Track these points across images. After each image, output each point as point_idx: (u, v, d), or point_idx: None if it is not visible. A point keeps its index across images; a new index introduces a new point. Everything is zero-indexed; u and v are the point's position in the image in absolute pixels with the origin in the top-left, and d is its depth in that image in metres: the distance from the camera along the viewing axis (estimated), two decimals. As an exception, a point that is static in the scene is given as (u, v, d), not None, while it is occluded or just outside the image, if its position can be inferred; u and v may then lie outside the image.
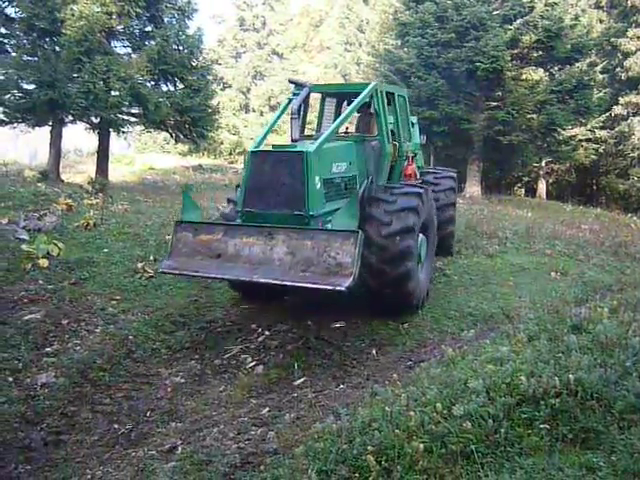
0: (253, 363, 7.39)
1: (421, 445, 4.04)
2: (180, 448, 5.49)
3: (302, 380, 6.82)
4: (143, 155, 40.90)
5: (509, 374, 4.85)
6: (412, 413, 4.47)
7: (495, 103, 25.29)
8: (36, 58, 20.71)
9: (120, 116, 21.93)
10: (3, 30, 21.42)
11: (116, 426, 5.95)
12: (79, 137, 26.96)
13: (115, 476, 5.14)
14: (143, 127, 24.20)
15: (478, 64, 23.09)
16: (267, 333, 8.27)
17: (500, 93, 25.38)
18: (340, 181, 8.41)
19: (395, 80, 24.85)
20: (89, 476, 5.17)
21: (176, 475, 4.97)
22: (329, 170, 8.10)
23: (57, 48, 20.85)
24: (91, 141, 26.19)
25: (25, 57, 20.87)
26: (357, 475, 3.99)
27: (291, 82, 9.70)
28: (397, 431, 4.27)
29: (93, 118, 22.04)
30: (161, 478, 4.88)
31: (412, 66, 24.84)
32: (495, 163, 29.00)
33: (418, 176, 10.58)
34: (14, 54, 21.06)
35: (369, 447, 4.13)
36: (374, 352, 7.77)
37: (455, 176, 12.98)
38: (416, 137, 11.94)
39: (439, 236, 10.49)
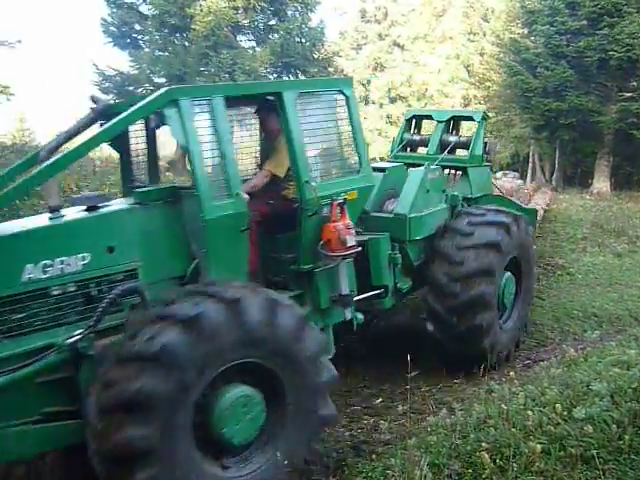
0: (365, 352, 7.43)
1: (538, 446, 3.91)
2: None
3: (416, 373, 6.76)
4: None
5: (637, 379, 4.61)
6: (530, 412, 4.34)
7: (629, 94, 23.81)
8: (167, 53, 21.81)
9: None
10: (138, 27, 22.68)
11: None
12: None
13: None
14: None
15: (611, 53, 21.85)
16: (382, 323, 8.28)
17: (635, 83, 23.86)
18: (73, 290, 4.48)
19: (521, 71, 24.03)
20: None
21: (290, 457, 5.10)
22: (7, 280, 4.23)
23: (186, 43, 21.83)
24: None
25: (157, 52, 22.03)
26: (470, 471, 3.93)
27: (93, 101, 5.31)
28: (513, 430, 4.16)
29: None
30: (276, 459, 5.02)
31: (539, 56, 23.89)
32: (627, 158, 27.39)
33: (350, 242, 5.44)
34: (147, 50, 22.28)
35: (483, 444, 4.06)
36: (491, 349, 7.60)
37: (499, 239, 6.85)
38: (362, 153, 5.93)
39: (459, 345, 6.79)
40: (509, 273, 7.21)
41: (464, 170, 8.31)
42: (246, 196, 5.00)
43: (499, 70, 27.86)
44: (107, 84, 22.46)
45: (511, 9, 28.82)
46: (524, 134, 26.83)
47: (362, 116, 40.88)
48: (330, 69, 24.97)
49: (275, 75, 23.45)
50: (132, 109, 4.63)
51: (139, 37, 23.01)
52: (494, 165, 32.85)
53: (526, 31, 26.54)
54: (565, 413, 4.26)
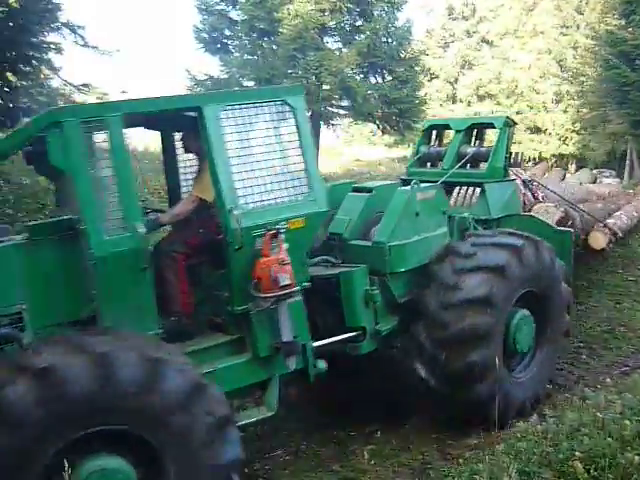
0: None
1: (636, 457, 3.75)
2: (379, 433, 5.62)
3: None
4: (350, 147, 42.12)
5: None
6: (627, 422, 4.16)
7: None
8: (255, 57, 22.27)
9: (330, 109, 22.89)
10: (227, 32, 23.27)
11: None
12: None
13: (318, 451, 5.42)
14: (352, 119, 25.00)
15: None
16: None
17: None
18: None
19: (617, 64, 22.99)
20: (293, 448, 5.51)
21: (375, 458, 5.11)
22: None
23: (274, 46, 22.19)
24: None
25: (246, 56, 22.54)
26: (562, 480, 3.81)
27: None
28: (609, 439, 4.00)
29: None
30: (361, 458, 5.05)
31: (638, 47, 22.79)
32: None
33: (283, 280, 4.59)
34: (236, 54, 22.83)
35: (577, 453, 3.92)
36: (584, 355, 7.34)
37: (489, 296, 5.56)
38: (313, 177, 5.17)
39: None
40: (525, 311, 5.99)
41: (481, 186, 7.16)
42: (142, 229, 4.31)
43: (594, 64, 26.79)
44: (199, 89, 23.11)
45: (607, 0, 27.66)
46: (621, 130, 25.65)
47: (449, 115, 40.33)
48: (417, 68, 24.76)
49: (362, 76, 23.45)
50: (8, 134, 4.20)
51: (229, 42, 23.58)
52: (589, 163, 31.70)
53: (623, 22, 25.35)
54: (666, 424, 4.06)
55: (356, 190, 6.41)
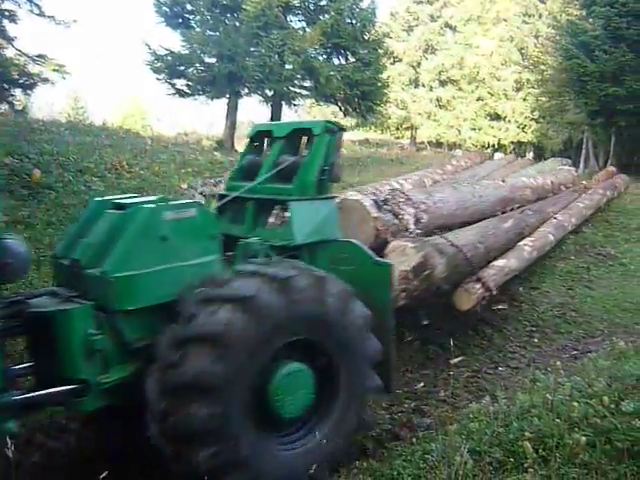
0: (410, 337, 7.37)
1: (583, 438, 3.83)
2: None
3: (459, 359, 6.72)
4: (312, 128, 41.98)
5: (689, 373, 4.47)
6: (575, 404, 4.25)
7: (691, 79, 22.93)
8: (217, 33, 21.95)
9: (292, 89, 22.73)
10: (189, 7, 22.85)
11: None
12: (252, 109, 28.45)
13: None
14: (314, 100, 24.92)
15: (674, 36, 21.05)
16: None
17: (698, 68, 22.96)
18: None
19: (577, 54, 23.33)
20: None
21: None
22: None
23: (237, 23, 21.91)
24: (263, 113, 27.41)
25: (208, 32, 22.18)
26: (512, 460, 3.87)
27: None
28: (558, 421, 4.08)
29: (267, 91, 22.97)
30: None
31: (597, 38, 23.15)
32: (687, 145, 26.44)
33: None
34: (198, 29, 22.45)
35: (526, 433, 4.00)
36: (536, 338, 7.50)
37: None
38: None
39: None
40: (298, 366, 4.47)
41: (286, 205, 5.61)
42: None
43: (554, 53, 27.16)
44: (159, 64, 22.70)
45: (569, -10, 28.02)
46: (578, 120, 26.14)
47: (411, 99, 40.42)
48: (380, 50, 24.76)
49: (325, 56, 23.34)
50: None
51: (190, 17, 23.18)
52: (546, 151, 32.22)
53: (584, 13, 25.74)
54: (612, 406, 4.16)
55: (116, 207, 5.01)
